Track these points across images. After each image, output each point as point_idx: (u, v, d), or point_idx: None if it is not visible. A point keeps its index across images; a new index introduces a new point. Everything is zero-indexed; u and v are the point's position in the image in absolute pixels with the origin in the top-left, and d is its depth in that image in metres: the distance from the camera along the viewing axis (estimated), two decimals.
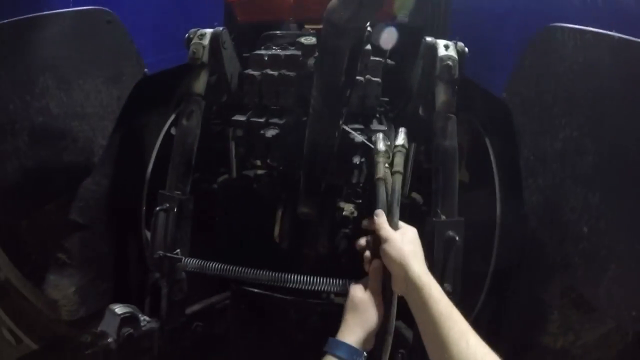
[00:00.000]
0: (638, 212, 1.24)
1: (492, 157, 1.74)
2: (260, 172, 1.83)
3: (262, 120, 1.70)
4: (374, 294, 1.27)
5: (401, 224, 1.33)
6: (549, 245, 1.38)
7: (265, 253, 1.72)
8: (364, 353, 1.20)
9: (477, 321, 1.74)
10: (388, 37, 1.84)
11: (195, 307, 1.70)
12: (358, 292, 1.29)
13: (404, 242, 1.24)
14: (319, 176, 1.60)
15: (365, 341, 1.22)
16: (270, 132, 1.64)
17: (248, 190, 1.85)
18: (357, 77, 1.67)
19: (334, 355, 1.15)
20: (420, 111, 1.70)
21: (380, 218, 1.31)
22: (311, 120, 1.47)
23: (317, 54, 1.48)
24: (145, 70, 1.74)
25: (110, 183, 1.82)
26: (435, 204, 1.51)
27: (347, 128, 1.62)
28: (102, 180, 1.79)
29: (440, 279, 1.39)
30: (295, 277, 1.44)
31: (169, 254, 1.55)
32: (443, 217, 1.47)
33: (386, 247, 1.24)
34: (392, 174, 1.44)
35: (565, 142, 1.32)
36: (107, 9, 1.60)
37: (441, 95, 1.55)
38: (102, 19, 1.59)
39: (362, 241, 1.40)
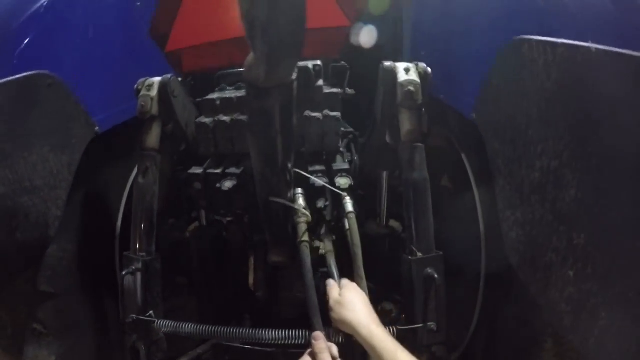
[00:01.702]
0: (630, 255, 0.95)
1: (470, 175, 1.48)
2: (228, 219, 1.59)
3: (218, 171, 1.46)
4: None
5: (343, 282, 1.29)
6: (533, 287, 1.09)
7: (244, 300, 1.56)
8: None
9: (469, 351, 1.53)
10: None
11: None
12: None
13: (342, 306, 1.20)
14: (282, 224, 1.37)
15: None
16: (227, 185, 1.41)
17: (219, 238, 1.62)
18: (314, 114, 1.43)
19: None
20: (388, 139, 1.44)
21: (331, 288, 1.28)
22: (257, 181, 1.23)
23: None
24: (97, 129, 1.48)
25: (78, 247, 1.59)
26: (410, 241, 1.28)
27: (304, 174, 1.40)
28: (67, 246, 1.56)
29: (423, 318, 1.25)
30: (269, 333, 1.24)
31: (142, 317, 1.35)
32: (419, 255, 1.25)
33: (332, 314, 1.22)
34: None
35: (543, 172, 1.02)
36: (46, 71, 1.34)
37: (405, 123, 1.30)
38: (41, 84, 1.33)
39: None
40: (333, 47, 1.57)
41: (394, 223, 1.61)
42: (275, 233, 1.41)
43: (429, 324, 1.23)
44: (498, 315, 1.40)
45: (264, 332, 1.25)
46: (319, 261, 1.49)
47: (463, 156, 1.51)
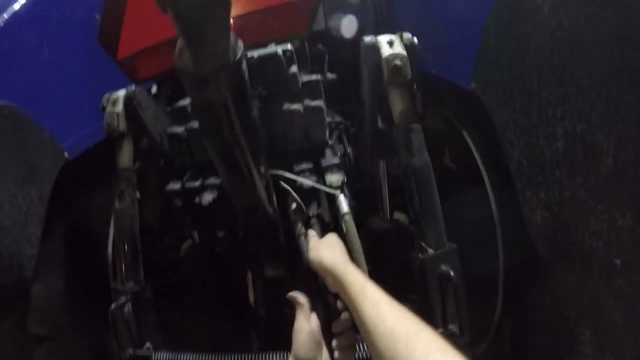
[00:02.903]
0: None
1: (475, 154, 1.23)
2: (220, 234, 1.35)
3: (197, 184, 1.23)
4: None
5: None
6: (569, 278, 0.84)
7: (247, 319, 1.37)
8: None
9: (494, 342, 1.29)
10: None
11: None
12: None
13: (321, 246, 1.04)
14: (271, 237, 1.14)
15: None
16: (207, 198, 1.18)
17: (213, 255, 1.39)
18: (293, 107, 1.19)
19: None
20: (380, 123, 1.20)
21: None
22: (227, 192, 1.00)
23: None
24: (66, 154, 1.27)
25: (66, 283, 1.37)
26: (417, 235, 1.05)
27: (288, 175, 1.18)
28: (54, 283, 1.34)
29: (443, 322, 1.03)
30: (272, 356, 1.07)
31: (138, 353, 1.17)
32: (431, 251, 1.02)
33: (309, 256, 1.04)
34: None
35: (567, 140, 0.77)
36: (2, 102, 1.12)
37: (397, 103, 1.07)
38: None
39: None
40: (299, 25, 1.31)
41: (399, 215, 1.37)
42: (266, 245, 1.18)
43: (450, 327, 1.01)
44: (526, 305, 1.16)
45: (267, 356, 1.06)
46: None
47: (465, 134, 1.26)
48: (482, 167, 1.21)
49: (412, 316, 0.73)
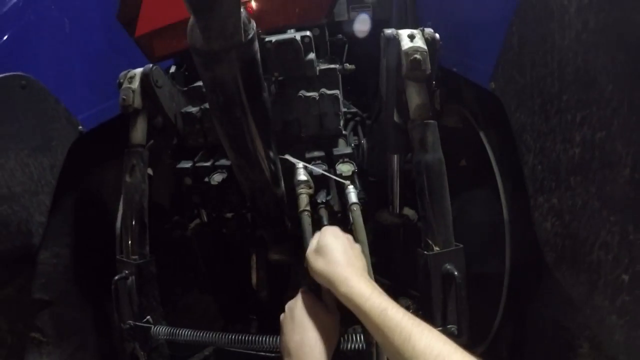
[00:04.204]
0: None
1: (490, 155, 1.21)
2: (228, 215, 1.36)
3: (208, 164, 1.23)
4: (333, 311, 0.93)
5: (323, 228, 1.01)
6: (574, 290, 0.81)
7: (249, 301, 1.38)
8: None
9: (493, 346, 1.27)
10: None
11: None
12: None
13: (316, 257, 0.91)
14: (277, 220, 1.14)
15: None
16: (217, 178, 1.19)
17: (220, 235, 1.39)
18: (309, 94, 1.18)
19: None
20: (395, 117, 1.18)
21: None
22: (236, 174, 0.99)
23: None
24: (80, 127, 1.28)
25: (73, 252, 1.40)
26: (425, 233, 1.02)
27: (297, 162, 1.15)
28: (61, 251, 1.37)
29: (442, 320, 1.01)
30: (269, 340, 1.05)
31: (138, 323, 1.18)
32: (437, 249, 1.00)
33: (308, 266, 0.92)
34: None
35: (585, 147, 0.74)
36: (19, 73, 1.14)
37: (414, 98, 1.04)
38: (14, 86, 1.13)
39: None
40: (317, 12, 1.29)
41: (408, 211, 1.35)
42: (272, 229, 1.18)
43: (449, 327, 0.99)
44: (526, 312, 1.14)
45: (263, 338, 1.06)
46: None
47: (481, 134, 1.23)
48: (495, 169, 1.19)
49: (416, 319, 0.73)
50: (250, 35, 0.69)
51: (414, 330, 0.72)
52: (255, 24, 0.71)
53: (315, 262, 0.91)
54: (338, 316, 0.93)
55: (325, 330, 0.88)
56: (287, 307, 0.95)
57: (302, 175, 1.12)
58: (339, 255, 0.89)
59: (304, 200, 1.10)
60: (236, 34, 0.65)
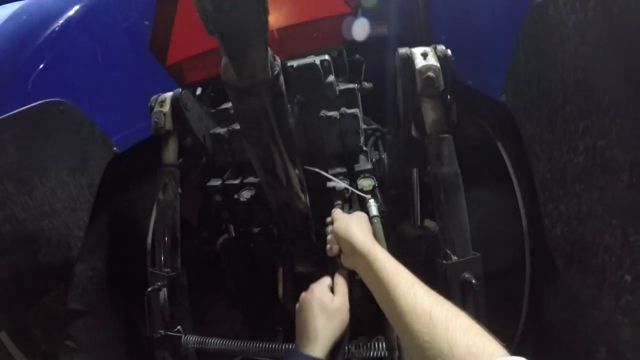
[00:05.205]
0: None
1: (508, 164, 1.26)
2: (255, 230, 1.44)
3: (237, 181, 1.32)
4: (343, 297, 1.03)
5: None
6: (583, 293, 0.86)
7: (276, 313, 1.45)
8: None
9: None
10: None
11: None
12: (326, 295, 1.02)
13: (350, 220, 1.07)
14: (302, 233, 1.21)
15: (329, 351, 0.96)
16: (245, 195, 1.28)
17: (247, 250, 1.47)
18: (330, 114, 1.26)
19: None
20: (414, 132, 1.24)
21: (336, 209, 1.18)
22: (265, 190, 1.07)
23: None
24: (115, 149, 1.39)
25: (107, 265, 1.51)
26: (443, 243, 1.08)
27: (324, 173, 1.24)
28: (97, 265, 1.48)
29: None
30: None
31: (169, 333, 1.26)
32: (455, 258, 1.05)
33: (335, 225, 1.08)
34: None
35: (587, 155, 0.79)
36: (58, 98, 1.26)
37: (429, 113, 1.10)
38: (54, 110, 1.25)
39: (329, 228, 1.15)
40: (333, 38, 1.39)
41: (429, 223, 1.40)
42: (298, 242, 1.25)
43: None
44: (545, 319, 1.17)
45: (290, 346, 1.09)
46: None
47: (499, 145, 1.28)
48: (514, 179, 1.23)
49: (447, 301, 0.76)
50: (276, 71, 0.79)
51: (413, 281, 0.82)
52: (280, 61, 0.81)
53: (339, 225, 1.05)
54: (347, 305, 1.02)
55: (333, 316, 0.98)
56: (301, 297, 1.06)
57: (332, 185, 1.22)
58: (362, 225, 1.05)
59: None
60: (264, 71, 0.75)
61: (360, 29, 1.41)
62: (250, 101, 0.81)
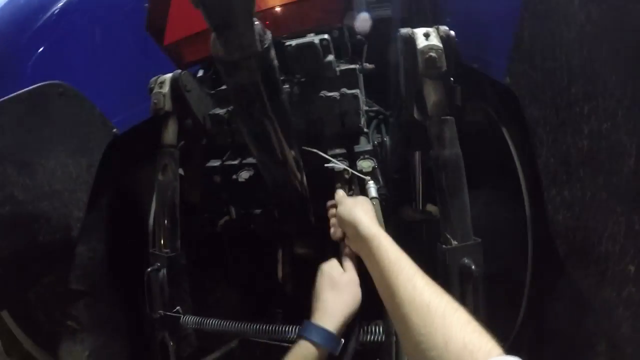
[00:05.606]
0: None
1: (513, 151, 1.23)
2: (256, 211, 1.44)
3: (236, 162, 1.32)
4: (352, 272, 1.05)
5: None
6: (584, 283, 0.84)
7: (275, 294, 1.46)
8: (341, 340, 0.97)
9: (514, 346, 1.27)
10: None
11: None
12: (336, 270, 1.05)
13: (356, 203, 1.06)
14: (302, 215, 1.20)
15: (342, 326, 0.97)
16: (244, 176, 1.27)
17: (248, 231, 1.47)
18: (330, 94, 1.24)
19: (310, 341, 0.92)
20: (415, 114, 1.22)
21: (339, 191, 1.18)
22: (260, 170, 1.07)
23: None
24: (115, 130, 1.39)
25: (107, 246, 1.53)
26: (443, 227, 1.06)
27: (322, 154, 1.22)
28: (97, 246, 1.50)
29: None
30: (294, 330, 1.11)
31: (168, 313, 1.27)
32: (455, 243, 1.03)
33: (339, 209, 1.09)
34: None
35: (592, 138, 0.77)
36: (57, 81, 1.27)
37: (431, 95, 1.08)
38: (53, 93, 1.27)
39: (332, 211, 1.16)
40: (334, 15, 1.36)
41: (431, 207, 1.38)
42: (297, 224, 1.24)
43: None
44: (545, 310, 1.16)
45: (289, 328, 1.11)
46: None
47: (504, 130, 1.26)
48: (518, 164, 1.21)
49: (447, 294, 0.74)
50: (266, 45, 0.78)
51: (414, 272, 0.81)
52: (270, 35, 0.79)
53: (343, 206, 1.06)
54: (357, 280, 1.04)
55: (342, 290, 1.01)
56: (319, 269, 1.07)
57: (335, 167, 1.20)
58: (366, 209, 1.04)
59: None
60: (253, 45, 0.74)
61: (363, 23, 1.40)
62: (240, 75, 0.80)
